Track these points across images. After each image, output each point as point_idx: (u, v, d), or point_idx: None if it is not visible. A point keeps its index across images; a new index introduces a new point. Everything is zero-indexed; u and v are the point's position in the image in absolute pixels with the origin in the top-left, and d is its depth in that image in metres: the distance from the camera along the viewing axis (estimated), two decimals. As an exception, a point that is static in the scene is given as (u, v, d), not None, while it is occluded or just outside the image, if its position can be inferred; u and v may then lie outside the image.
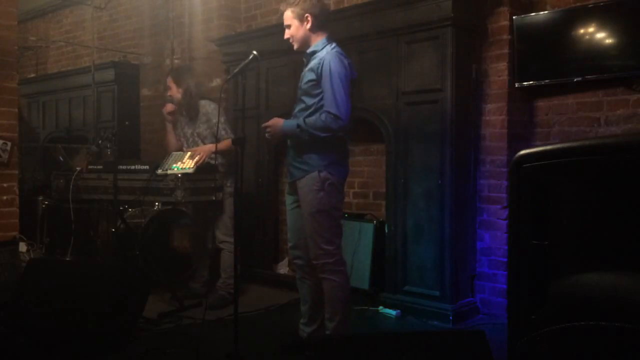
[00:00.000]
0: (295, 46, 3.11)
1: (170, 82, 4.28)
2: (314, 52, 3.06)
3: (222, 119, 4.12)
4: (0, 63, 4.02)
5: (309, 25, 3.04)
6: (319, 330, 3.19)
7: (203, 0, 5.51)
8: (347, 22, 4.28)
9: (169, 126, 4.37)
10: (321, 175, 2.97)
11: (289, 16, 3.07)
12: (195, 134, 4.26)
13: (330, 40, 3.08)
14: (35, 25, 8.28)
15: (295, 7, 3.04)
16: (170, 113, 4.32)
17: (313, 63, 3.02)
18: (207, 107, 4.25)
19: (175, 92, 4.24)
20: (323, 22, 3.08)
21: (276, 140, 3.16)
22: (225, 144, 4.05)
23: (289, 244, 3.24)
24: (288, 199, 3.22)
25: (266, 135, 3.11)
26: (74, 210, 4.50)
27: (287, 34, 3.11)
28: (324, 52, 3.01)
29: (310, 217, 3.00)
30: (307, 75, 3.03)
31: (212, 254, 4.43)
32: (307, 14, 3.02)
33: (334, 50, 3.02)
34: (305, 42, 3.08)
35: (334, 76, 2.90)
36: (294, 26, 3.06)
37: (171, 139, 4.38)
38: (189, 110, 4.25)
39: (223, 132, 4.13)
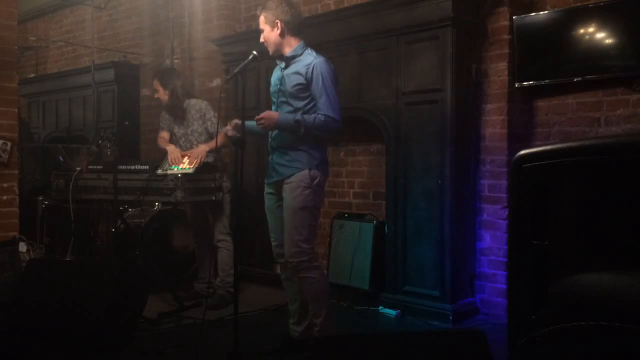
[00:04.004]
0: (270, 51, 3.18)
1: (156, 84, 4.29)
2: (293, 57, 3.13)
3: (214, 113, 4.22)
4: (0, 63, 4.02)
5: (278, 31, 3.11)
6: (309, 328, 3.20)
7: (203, 0, 5.52)
8: (347, 22, 4.28)
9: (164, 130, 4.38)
10: (311, 174, 3.05)
11: (261, 20, 3.16)
12: (188, 133, 4.27)
13: (306, 45, 3.17)
14: (35, 25, 8.28)
15: (267, 13, 3.12)
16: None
17: (298, 67, 3.09)
18: (200, 104, 4.30)
19: (162, 94, 4.27)
20: (296, 28, 3.14)
21: (269, 130, 3.18)
22: (219, 138, 4.06)
23: (274, 243, 3.27)
24: (270, 199, 3.26)
25: (259, 127, 3.12)
26: (74, 210, 4.50)
27: (261, 37, 3.18)
28: (309, 57, 3.09)
29: (292, 213, 3.04)
30: (293, 79, 3.09)
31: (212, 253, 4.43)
32: (277, 20, 3.10)
33: (320, 56, 3.11)
34: (278, 47, 3.16)
35: (326, 80, 3.02)
36: (266, 31, 3.15)
37: (163, 140, 4.36)
38: (175, 111, 4.29)
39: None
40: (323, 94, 3.02)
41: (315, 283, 3.07)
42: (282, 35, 3.12)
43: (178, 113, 4.30)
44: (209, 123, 4.22)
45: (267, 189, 3.27)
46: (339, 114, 3.06)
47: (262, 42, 3.19)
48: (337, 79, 3.12)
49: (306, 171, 3.05)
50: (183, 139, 4.30)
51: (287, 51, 3.14)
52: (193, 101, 4.33)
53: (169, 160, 4.07)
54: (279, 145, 3.15)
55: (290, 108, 3.09)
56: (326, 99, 3.01)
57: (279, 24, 3.10)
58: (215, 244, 4.24)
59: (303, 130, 3.00)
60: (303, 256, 3.04)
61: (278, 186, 3.16)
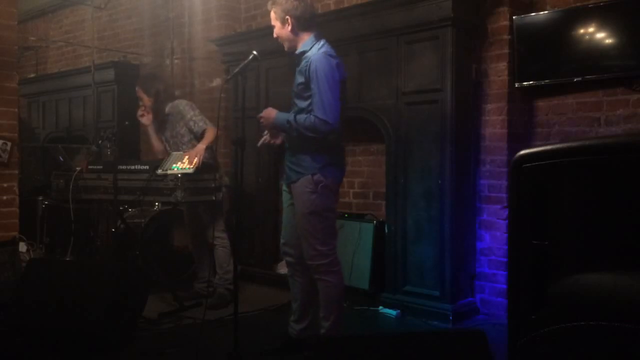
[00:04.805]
0: (285, 47, 3.11)
1: (139, 92, 4.26)
2: (303, 53, 3.04)
3: (195, 112, 4.20)
4: (0, 63, 4.02)
5: (289, 27, 3.01)
6: (308, 328, 3.19)
7: (203, 0, 5.52)
8: (347, 22, 4.28)
9: (151, 129, 4.36)
10: (314, 178, 2.96)
11: (272, 17, 3.07)
12: (174, 136, 4.26)
13: (318, 38, 3.05)
14: (35, 25, 8.28)
15: (276, 8, 3.02)
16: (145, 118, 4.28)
17: (302, 65, 3.00)
18: (179, 105, 4.27)
19: (147, 101, 4.24)
20: (307, 22, 3.03)
21: (269, 129, 3.14)
22: (210, 132, 4.06)
23: (282, 241, 3.24)
24: (285, 197, 3.23)
25: (261, 126, 3.11)
26: (74, 210, 4.50)
27: (274, 33, 3.10)
28: (312, 53, 2.99)
29: (303, 218, 3.00)
30: (297, 78, 3.02)
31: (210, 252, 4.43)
32: (287, 16, 3.00)
33: (321, 50, 2.98)
34: (292, 43, 3.06)
35: (320, 79, 2.87)
36: (277, 27, 3.06)
37: (154, 142, 4.37)
38: (159, 115, 4.26)
39: (201, 124, 4.17)
40: (316, 93, 2.87)
41: (331, 287, 3.00)
42: (293, 31, 3.01)
43: (162, 117, 4.27)
44: (191, 123, 4.17)
45: (283, 187, 3.25)
46: (332, 115, 2.85)
47: (276, 38, 3.10)
48: (335, 76, 2.91)
49: (309, 176, 2.96)
50: (171, 141, 4.29)
51: (300, 48, 3.05)
52: (175, 102, 4.30)
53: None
54: (289, 145, 3.11)
55: (295, 109, 3.03)
56: (318, 99, 2.85)
57: (289, 20, 3.00)
58: (212, 242, 4.23)
59: (295, 132, 2.93)
60: (322, 259, 2.98)
61: (290, 187, 3.12)
